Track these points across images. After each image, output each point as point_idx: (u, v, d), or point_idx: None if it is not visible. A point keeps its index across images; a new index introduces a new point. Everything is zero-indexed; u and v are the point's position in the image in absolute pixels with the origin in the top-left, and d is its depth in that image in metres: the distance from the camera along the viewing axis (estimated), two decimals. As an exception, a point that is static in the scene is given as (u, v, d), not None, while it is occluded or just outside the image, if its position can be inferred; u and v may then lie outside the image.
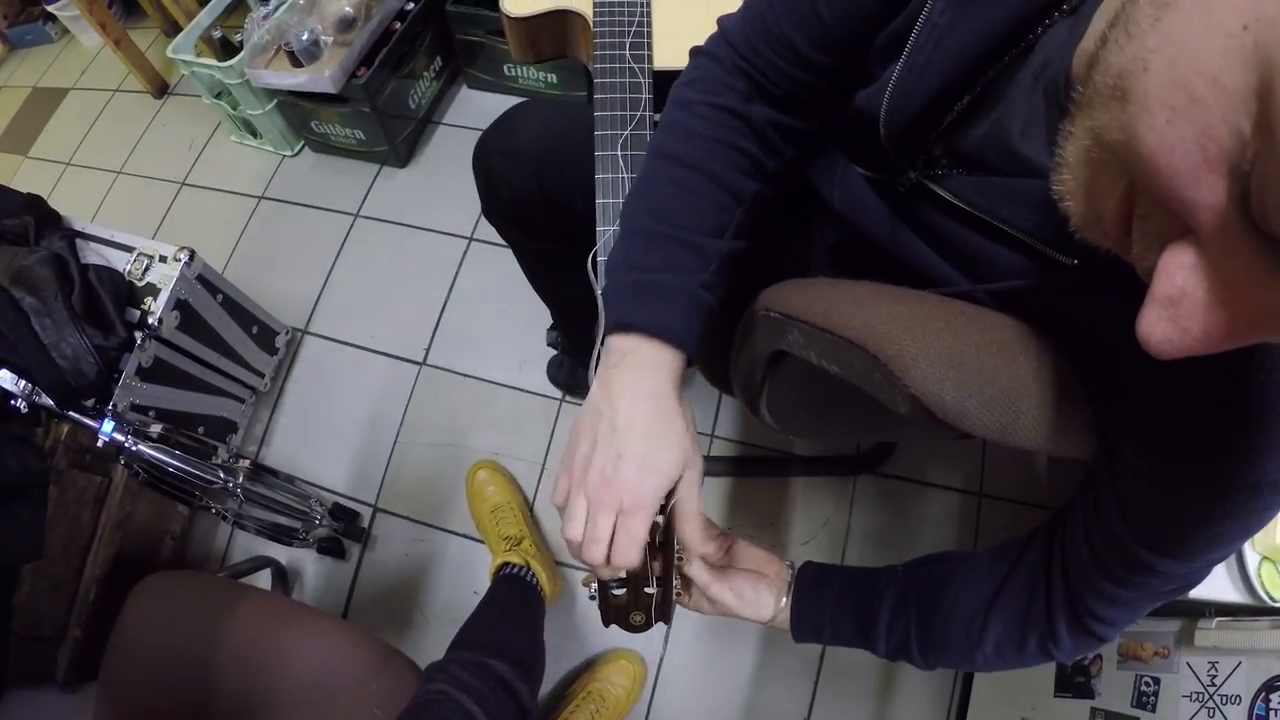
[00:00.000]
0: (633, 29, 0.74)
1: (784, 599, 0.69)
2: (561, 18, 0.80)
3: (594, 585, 0.61)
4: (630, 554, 0.53)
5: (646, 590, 0.60)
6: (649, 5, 0.78)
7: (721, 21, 0.63)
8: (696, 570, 0.67)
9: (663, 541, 0.59)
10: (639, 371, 0.55)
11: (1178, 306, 0.26)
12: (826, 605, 0.68)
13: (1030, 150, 0.45)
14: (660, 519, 0.58)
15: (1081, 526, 0.54)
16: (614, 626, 0.65)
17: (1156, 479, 0.47)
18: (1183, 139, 0.24)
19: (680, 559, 0.62)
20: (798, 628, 0.69)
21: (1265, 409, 0.40)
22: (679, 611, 0.69)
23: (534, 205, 0.77)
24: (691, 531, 0.58)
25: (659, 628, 0.66)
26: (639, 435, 0.53)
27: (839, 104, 0.60)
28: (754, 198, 0.63)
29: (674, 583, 0.61)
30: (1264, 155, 0.22)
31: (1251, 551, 0.73)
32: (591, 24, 0.75)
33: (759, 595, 0.68)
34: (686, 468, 0.55)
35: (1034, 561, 0.59)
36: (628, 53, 0.72)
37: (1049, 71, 0.43)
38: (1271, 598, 0.72)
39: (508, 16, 0.80)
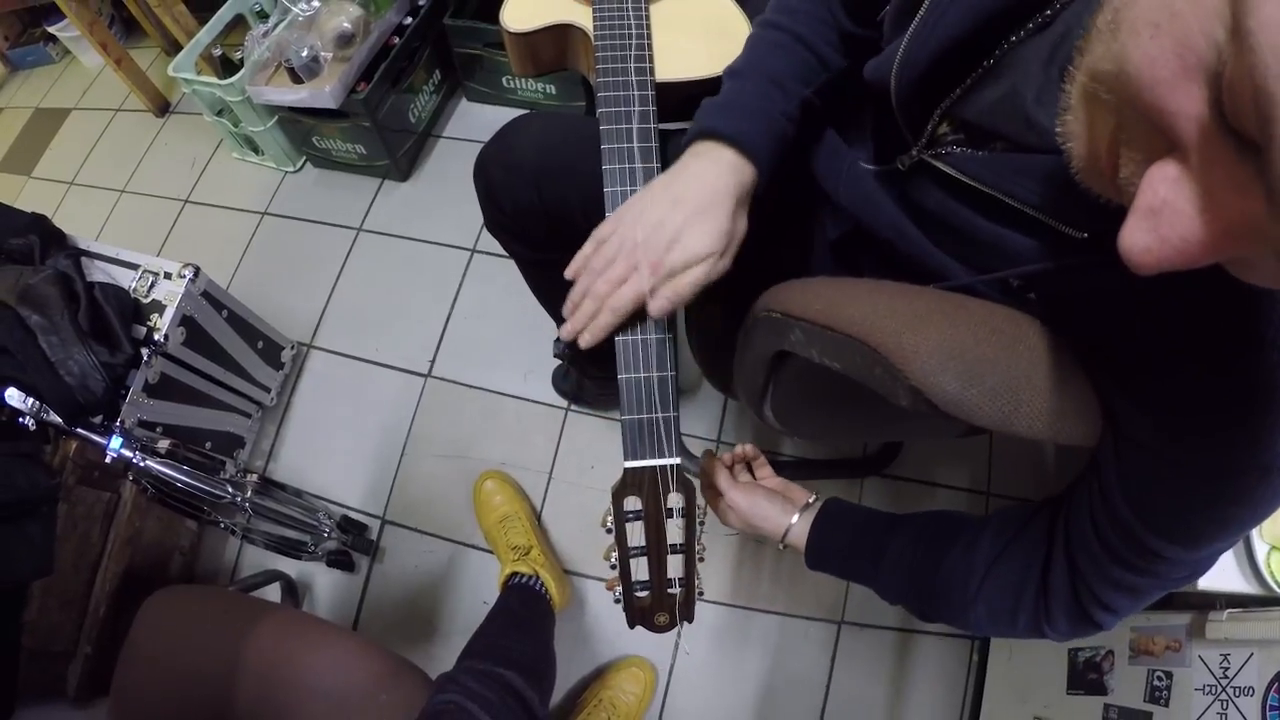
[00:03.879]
0: (634, 42, 0.75)
1: (796, 516, 0.74)
2: (563, 31, 0.81)
3: (618, 589, 0.62)
4: (623, 297, 0.59)
5: (670, 591, 0.61)
6: (648, 19, 0.78)
7: None
8: (719, 477, 0.75)
9: (685, 542, 0.60)
10: (713, 164, 0.61)
11: (1158, 216, 0.27)
12: (841, 537, 0.72)
13: (1044, 118, 0.45)
14: (682, 520, 0.59)
15: (1087, 512, 0.54)
16: (621, 635, 0.66)
17: (1165, 461, 0.47)
18: (1163, 50, 0.26)
19: (701, 557, 0.62)
20: (811, 552, 0.73)
21: (1275, 390, 0.40)
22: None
23: (535, 217, 0.77)
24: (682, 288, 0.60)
25: (671, 634, 0.67)
26: (686, 213, 0.59)
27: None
28: (839, 72, 0.70)
29: (696, 581, 0.62)
30: (1235, 58, 0.24)
31: (1260, 541, 0.73)
32: (592, 38, 0.76)
33: (772, 509, 0.75)
34: (714, 256, 0.60)
35: (1034, 539, 0.60)
36: (630, 65, 0.73)
37: (1067, 42, 0.44)
38: (1282, 588, 0.72)
39: (508, 31, 0.80)
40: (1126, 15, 0.28)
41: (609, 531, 0.60)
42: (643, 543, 0.60)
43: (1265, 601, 0.74)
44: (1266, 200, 0.24)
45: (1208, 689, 0.75)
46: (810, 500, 0.76)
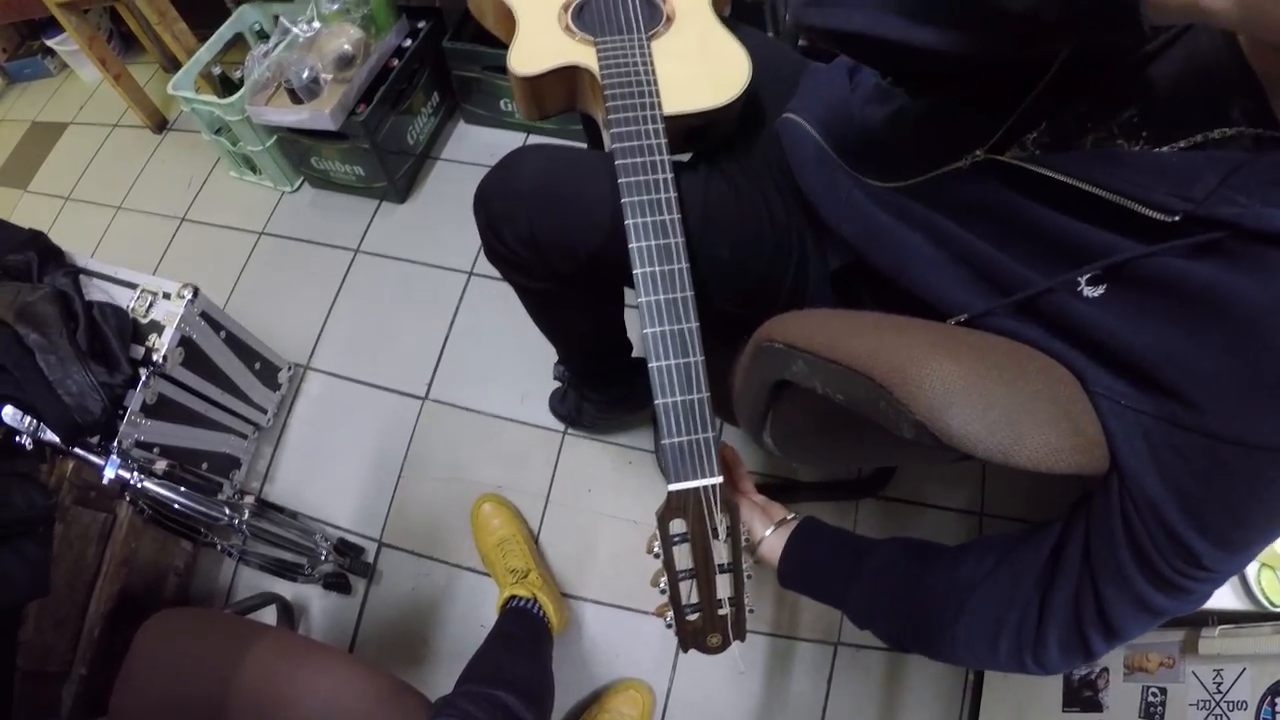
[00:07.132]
0: (639, 77, 0.77)
1: (770, 530, 0.74)
2: (570, 73, 0.82)
3: (669, 614, 0.61)
4: None
5: (720, 612, 0.61)
6: (651, 55, 0.81)
7: None
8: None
9: (731, 560, 0.61)
10: None
11: None
12: (816, 554, 0.72)
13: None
14: (728, 539, 0.60)
15: (1119, 526, 0.52)
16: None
17: (1229, 441, 0.46)
18: None
19: (749, 574, 0.62)
20: (783, 570, 0.73)
21: None
22: None
23: (535, 248, 0.78)
24: None
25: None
26: None
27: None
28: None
29: (745, 599, 0.62)
30: None
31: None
32: (599, 76, 0.77)
33: (752, 520, 0.75)
34: None
35: (1026, 563, 0.59)
36: (638, 100, 0.74)
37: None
38: (1272, 604, 0.74)
39: (517, 76, 0.81)
40: None
41: (656, 556, 0.59)
42: (689, 565, 0.60)
43: (1256, 617, 0.75)
44: None
45: (1202, 704, 0.76)
46: (788, 516, 0.76)
